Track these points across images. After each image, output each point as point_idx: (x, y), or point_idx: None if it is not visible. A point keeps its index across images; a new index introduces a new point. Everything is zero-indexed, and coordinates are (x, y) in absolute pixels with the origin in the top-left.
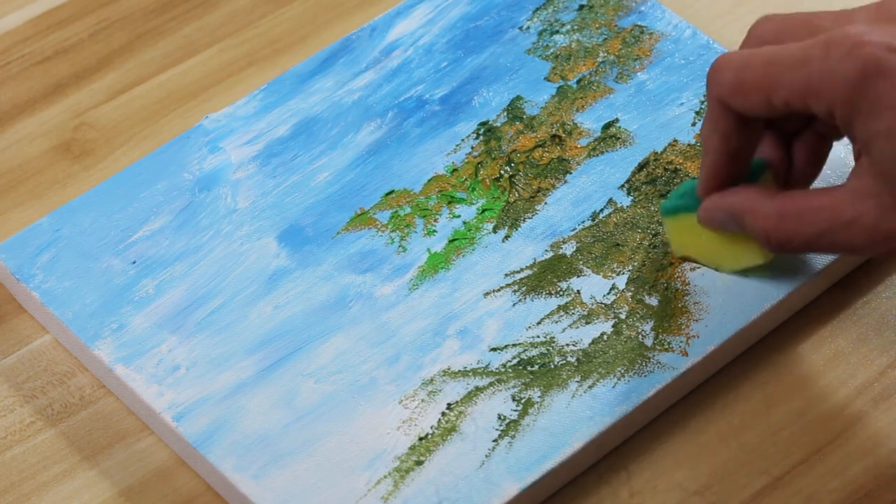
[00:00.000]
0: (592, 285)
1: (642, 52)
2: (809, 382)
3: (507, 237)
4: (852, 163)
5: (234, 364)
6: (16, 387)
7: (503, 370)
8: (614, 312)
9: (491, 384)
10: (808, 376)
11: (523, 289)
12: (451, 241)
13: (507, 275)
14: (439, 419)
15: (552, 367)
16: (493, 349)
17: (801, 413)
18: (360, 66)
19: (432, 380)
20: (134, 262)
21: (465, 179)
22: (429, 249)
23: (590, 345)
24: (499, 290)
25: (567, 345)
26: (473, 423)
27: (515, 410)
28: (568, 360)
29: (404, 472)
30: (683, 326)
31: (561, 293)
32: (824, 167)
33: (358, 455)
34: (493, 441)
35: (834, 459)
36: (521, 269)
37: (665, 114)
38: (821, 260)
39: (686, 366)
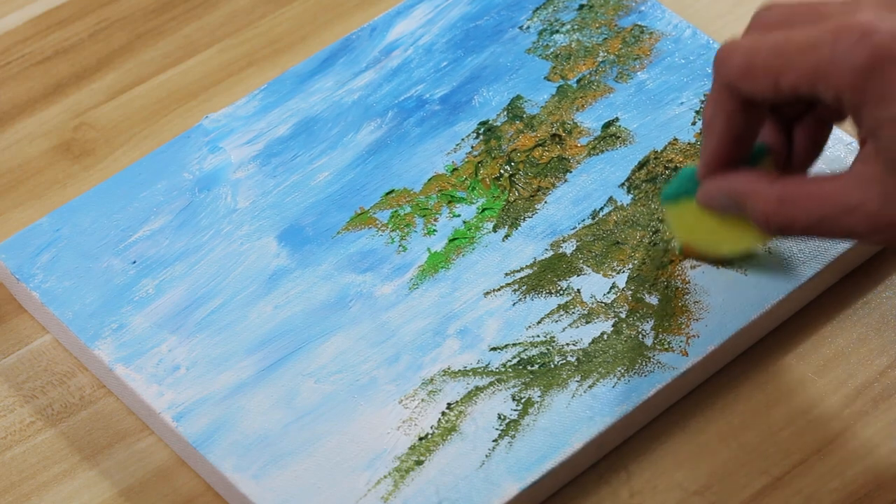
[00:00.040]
0: (592, 284)
1: (642, 52)
2: (810, 382)
3: (507, 236)
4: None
5: (234, 364)
6: (16, 387)
7: (503, 370)
8: (614, 312)
9: (491, 384)
10: (809, 376)
11: (523, 288)
12: (451, 241)
13: (507, 274)
14: (439, 419)
15: (552, 366)
16: (493, 349)
17: (801, 413)
18: (360, 65)
19: (432, 379)
20: (134, 262)
21: (465, 179)
22: (429, 249)
23: (590, 344)
24: (499, 289)
25: (567, 344)
26: (473, 423)
27: (515, 410)
28: (568, 359)
29: (404, 472)
30: (683, 326)
31: (561, 292)
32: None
33: (358, 455)
34: (493, 441)
35: (834, 459)
36: (522, 269)
37: (665, 113)
38: (821, 260)
39: (686, 366)
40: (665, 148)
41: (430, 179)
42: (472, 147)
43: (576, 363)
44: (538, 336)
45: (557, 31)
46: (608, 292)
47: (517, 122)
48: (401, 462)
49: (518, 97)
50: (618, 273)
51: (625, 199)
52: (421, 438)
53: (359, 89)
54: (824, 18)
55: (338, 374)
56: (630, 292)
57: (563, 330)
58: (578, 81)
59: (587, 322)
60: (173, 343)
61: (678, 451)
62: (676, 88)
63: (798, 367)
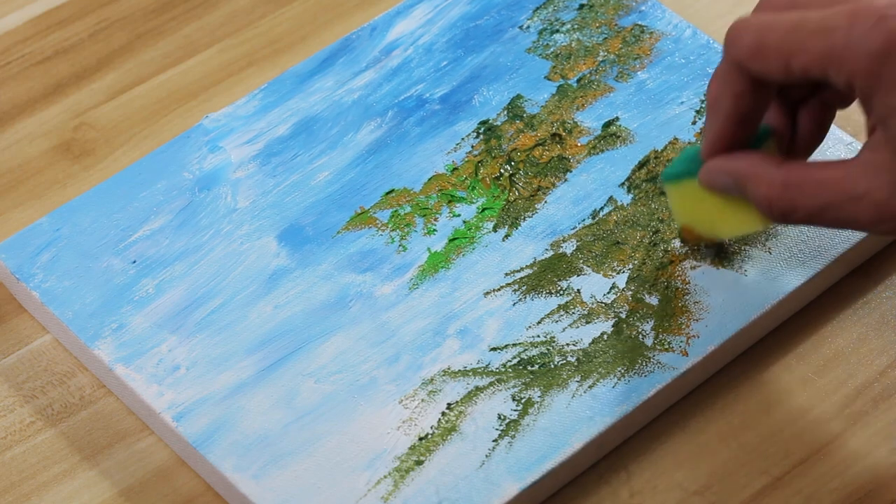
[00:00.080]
0: (593, 284)
1: (642, 52)
2: (809, 382)
3: (507, 236)
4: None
5: (234, 364)
6: (16, 387)
7: (503, 370)
8: (614, 312)
9: (491, 384)
10: (809, 376)
11: (523, 288)
12: (451, 241)
13: (507, 274)
14: (439, 419)
15: (552, 366)
16: (494, 349)
17: (801, 413)
18: (360, 65)
19: (432, 379)
20: (134, 262)
21: (466, 178)
22: (429, 248)
23: (590, 344)
24: (499, 289)
25: (567, 344)
26: (473, 423)
27: (515, 410)
28: (568, 359)
29: (404, 472)
30: (684, 326)
31: (561, 292)
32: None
33: (358, 455)
34: (493, 441)
35: (834, 459)
36: (522, 269)
37: (665, 112)
38: (820, 260)
39: (686, 366)
40: (665, 147)
41: (430, 179)
42: (473, 146)
43: (576, 363)
44: (538, 336)
45: (558, 31)
46: (608, 292)
47: (517, 121)
48: (401, 462)
49: (518, 97)
50: (618, 273)
51: (625, 198)
52: (421, 438)
53: (359, 89)
54: (836, 1)
55: (338, 374)
56: (630, 292)
57: (564, 330)
58: (578, 81)
59: (587, 322)
60: (173, 343)
61: (678, 451)
62: (676, 88)
63: (798, 367)
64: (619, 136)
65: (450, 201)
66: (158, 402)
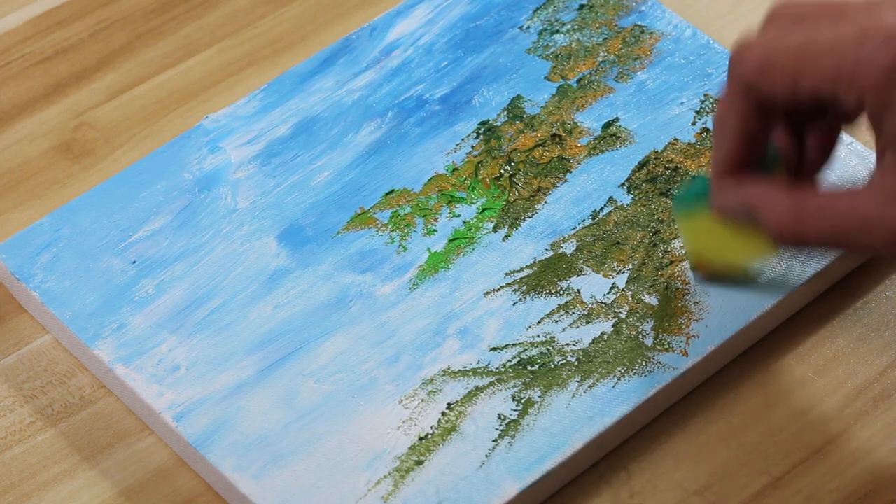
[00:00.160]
0: (593, 284)
1: (642, 52)
2: (809, 382)
3: (507, 236)
4: (849, 163)
5: (234, 364)
6: (16, 387)
7: (503, 370)
8: (614, 312)
9: (491, 384)
10: (809, 376)
11: (523, 288)
12: (451, 241)
13: (507, 274)
14: (439, 419)
15: (552, 366)
16: (493, 349)
17: (801, 413)
18: (361, 65)
19: (432, 379)
20: (134, 262)
21: (466, 179)
22: (429, 249)
23: (590, 344)
24: (499, 289)
25: (567, 344)
26: (473, 423)
27: (515, 410)
28: (568, 359)
29: (404, 472)
30: (683, 326)
31: (561, 292)
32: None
33: (358, 455)
34: (493, 441)
35: (834, 459)
36: (522, 269)
37: (665, 113)
38: (821, 261)
39: (686, 366)
40: (665, 148)
41: (430, 179)
42: (473, 147)
43: (576, 363)
44: (538, 336)
45: (557, 31)
46: (608, 292)
47: (517, 121)
48: (401, 462)
49: (518, 97)
50: (618, 273)
51: (625, 199)
52: (421, 438)
53: (359, 89)
54: (846, 18)
55: (338, 374)
56: (630, 293)
57: (564, 330)
58: (578, 81)
59: (587, 322)
60: (173, 343)
61: (678, 451)
62: (676, 88)
63: (798, 367)
64: (619, 137)
65: (450, 202)
66: (158, 402)
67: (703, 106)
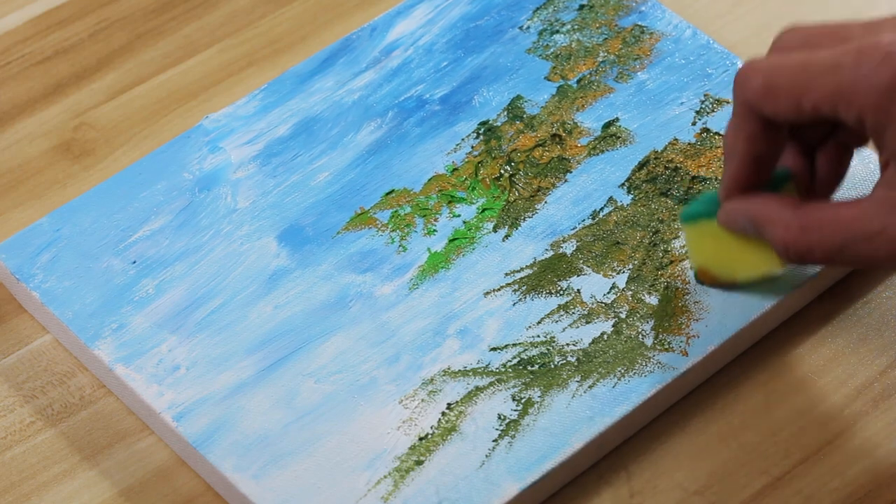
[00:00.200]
0: (593, 284)
1: (642, 52)
2: (809, 382)
3: (507, 236)
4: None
5: (234, 364)
6: (16, 387)
7: (503, 370)
8: (614, 312)
9: (491, 384)
10: (808, 376)
11: (523, 288)
12: (451, 241)
13: (507, 274)
14: (439, 419)
15: (552, 366)
16: (494, 349)
17: (801, 413)
18: (361, 65)
19: (432, 379)
20: (134, 262)
21: (466, 179)
22: (429, 249)
23: (590, 344)
24: (499, 289)
25: (567, 344)
26: (473, 423)
27: (515, 410)
28: (568, 359)
29: (404, 472)
30: (684, 326)
31: (561, 292)
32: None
33: (358, 455)
34: (493, 441)
35: (834, 459)
36: (522, 269)
37: (665, 113)
38: None
39: (686, 366)
40: (665, 148)
41: (430, 179)
42: (473, 147)
43: (576, 363)
44: (538, 336)
45: (558, 32)
46: (608, 292)
47: (517, 122)
48: (401, 462)
49: (518, 97)
50: (618, 273)
51: (625, 199)
52: (421, 438)
53: (359, 89)
54: (846, 40)
55: (338, 374)
56: (630, 293)
57: (564, 330)
58: (578, 81)
59: (587, 322)
60: (173, 343)
61: (678, 451)
62: (677, 88)
63: (798, 367)
64: (619, 137)
65: (450, 202)
66: (158, 402)
67: (703, 106)
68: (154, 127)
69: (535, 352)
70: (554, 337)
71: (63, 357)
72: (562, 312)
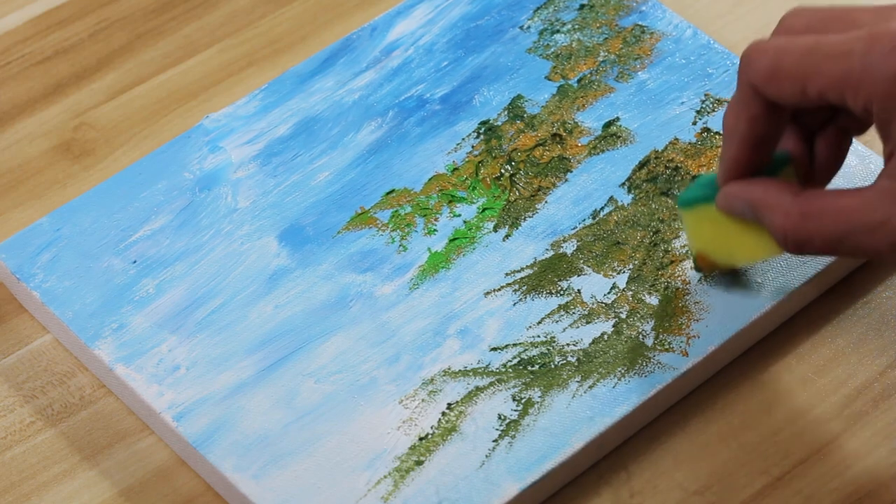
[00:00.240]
0: (593, 284)
1: (643, 52)
2: (809, 382)
3: (507, 236)
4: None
5: (234, 364)
6: (16, 387)
7: (503, 370)
8: (615, 312)
9: (491, 384)
10: (809, 376)
11: (524, 288)
12: (451, 241)
13: (507, 274)
14: (439, 419)
15: (552, 366)
16: (494, 349)
17: (801, 413)
18: (361, 65)
19: (432, 379)
20: (134, 262)
21: (466, 178)
22: (429, 249)
23: (590, 344)
24: (499, 289)
25: (567, 344)
26: (473, 423)
27: (516, 410)
28: (568, 359)
29: (404, 472)
30: (684, 326)
31: (561, 292)
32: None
33: (358, 455)
34: (494, 441)
35: (834, 459)
36: (522, 269)
37: (666, 113)
38: (821, 261)
39: (686, 366)
40: (666, 148)
41: (430, 179)
42: (473, 147)
43: (576, 363)
44: (538, 336)
45: (558, 31)
46: (609, 292)
47: (518, 121)
48: (401, 462)
49: (519, 97)
50: (618, 273)
51: (625, 198)
52: (421, 438)
53: (359, 89)
54: (856, 25)
55: (338, 374)
56: (631, 293)
57: (564, 330)
58: (579, 81)
59: (587, 322)
60: (173, 343)
61: (678, 451)
62: (677, 88)
63: (798, 367)
64: (619, 137)
65: (450, 201)
66: (158, 402)
67: (704, 106)
68: (154, 127)
69: (535, 352)
70: (554, 337)
71: (63, 357)
72: (562, 312)
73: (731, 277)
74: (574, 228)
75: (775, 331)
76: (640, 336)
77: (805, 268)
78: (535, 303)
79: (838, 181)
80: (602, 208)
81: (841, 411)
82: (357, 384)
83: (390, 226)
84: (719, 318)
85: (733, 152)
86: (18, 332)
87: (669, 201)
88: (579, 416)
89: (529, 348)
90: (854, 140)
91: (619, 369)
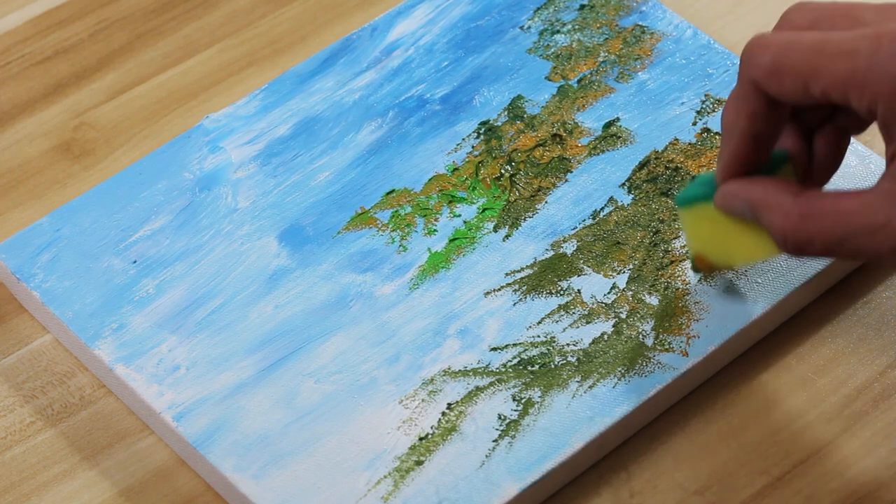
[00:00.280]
0: (593, 284)
1: (643, 52)
2: (810, 382)
3: (507, 236)
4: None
5: (234, 364)
6: (16, 387)
7: (503, 370)
8: (615, 312)
9: (491, 384)
10: (808, 376)
11: (524, 288)
12: (451, 241)
13: (507, 274)
14: (439, 419)
15: (552, 366)
16: (494, 349)
17: (801, 413)
18: (361, 65)
19: (432, 379)
20: (134, 262)
21: (466, 179)
22: (429, 249)
23: (590, 344)
24: (499, 289)
25: (567, 344)
26: (473, 423)
27: (516, 410)
28: (568, 359)
29: (404, 472)
30: (684, 326)
31: (561, 292)
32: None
33: (358, 455)
34: (494, 441)
35: (834, 459)
36: (522, 269)
37: (666, 113)
38: (821, 261)
39: (686, 366)
40: (666, 148)
41: (430, 179)
42: (473, 147)
43: (576, 363)
44: (538, 336)
45: (558, 31)
46: (609, 292)
47: (518, 121)
48: (401, 462)
49: (519, 97)
50: (618, 273)
51: (625, 199)
52: (421, 438)
53: (359, 89)
54: (860, 23)
55: (338, 374)
56: (631, 293)
57: (564, 330)
58: (579, 81)
59: (587, 322)
60: (173, 343)
61: (678, 451)
62: (677, 88)
63: (798, 368)
64: (619, 137)
65: (450, 201)
66: (158, 402)
67: (704, 106)
68: (154, 127)
69: (535, 352)
70: (554, 337)
71: (63, 357)
72: (562, 312)
73: (731, 278)
74: (574, 228)
75: (775, 331)
76: (640, 336)
77: (805, 268)
78: (535, 303)
79: (838, 181)
80: (602, 208)
81: (841, 411)
82: (357, 384)
83: (390, 226)
84: (719, 319)
85: (732, 149)
86: (18, 332)
87: (669, 202)
88: (579, 416)
89: (529, 348)
90: (854, 140)
91: (619, 369)
